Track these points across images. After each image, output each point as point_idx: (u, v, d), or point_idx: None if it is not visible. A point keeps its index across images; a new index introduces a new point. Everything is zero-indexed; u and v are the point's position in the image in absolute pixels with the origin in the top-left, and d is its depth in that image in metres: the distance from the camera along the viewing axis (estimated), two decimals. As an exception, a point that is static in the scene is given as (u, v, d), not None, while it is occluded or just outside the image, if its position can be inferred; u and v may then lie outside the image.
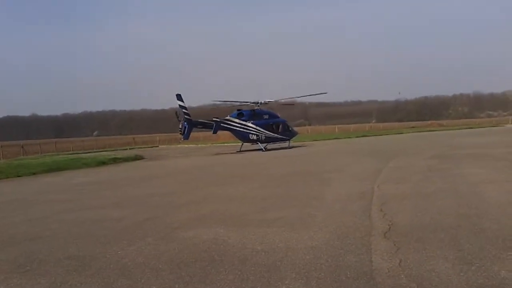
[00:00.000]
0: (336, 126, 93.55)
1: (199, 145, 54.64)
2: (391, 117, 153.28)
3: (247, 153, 33.41)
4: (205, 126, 33.34)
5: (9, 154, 48.58)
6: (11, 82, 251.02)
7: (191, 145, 55.07)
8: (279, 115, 38.13)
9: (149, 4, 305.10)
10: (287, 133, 37.37)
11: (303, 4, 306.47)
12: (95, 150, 51.63)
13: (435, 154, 22.23)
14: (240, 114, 35.06)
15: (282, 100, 38.89)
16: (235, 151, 35.61)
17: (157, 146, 58.56)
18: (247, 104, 36.85)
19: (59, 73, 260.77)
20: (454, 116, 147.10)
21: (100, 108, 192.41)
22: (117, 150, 51.68)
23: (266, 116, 36.10)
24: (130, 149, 54.60)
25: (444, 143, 32.22)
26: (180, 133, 32.70)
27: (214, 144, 53.58)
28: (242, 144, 36.15)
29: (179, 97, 31.61)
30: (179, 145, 56.55)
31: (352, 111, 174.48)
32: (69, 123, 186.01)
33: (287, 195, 11.73)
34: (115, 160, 30.77)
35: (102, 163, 29.22)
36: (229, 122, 34.38)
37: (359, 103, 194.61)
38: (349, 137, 54.57)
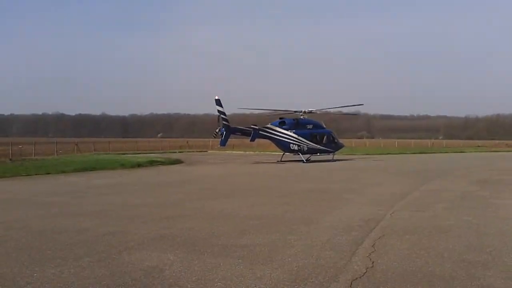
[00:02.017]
0: (396, 140, 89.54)
1: (247, 152, 53.90)
2: (459, 134, 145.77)
3: (286, 164, 32.07)
4: (243, 133, 32.35)
5: (64, 150, 50.46)
6: (84, 83, 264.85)
7: (239, 152, 54.53)
8: (324, 126, 36.36)
9: (214, 13, 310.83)
10: (332, 145, 35.57)
11: (367, 11, 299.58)
12: (146, 152, 52.18)
13: (483, 178, 19.88)
14: (282, 123, 33.77)
15: (319, 111, 36.92)
16: (275, 161, 34.38)
17: (206, 151, 58.37)
18: (291, 113, 35.51)
19: (129, 77, 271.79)
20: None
21: (165, 111, 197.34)
22: (166, 152, 52.11)
23: (309, 126, 34.54)
24: (179, 152, 54.98)
25: (501, 166, 29.28)
26: (214, 136, 32.02)
27: (263, 152, 52.54)
28: (283, 154, 34.82)
29: (218, 102, 30.87)
30: (227, 151, 56.15)
31: (418, 125, 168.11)
32: (135, 124, 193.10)
33: (281, 216, 10.41)
34: (151, 163, 30.61)
35: (138, 165, 29.00)
36: (269, 131, 33.18)
37: (426, 117, 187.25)
38: (405, 153, 51.62)
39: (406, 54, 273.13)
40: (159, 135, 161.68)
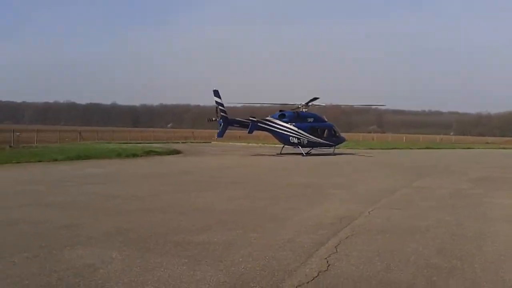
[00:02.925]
0: (404, 135, 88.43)
1: (250, 144, 53.37)
2: (471, 130, 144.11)
3: (285, 156, 31.52)
4: (241, 125, 31.77)
5: (67, 138, 50.45)
6: (95, 71, 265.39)
7: (243, 143, 54.05)
8: (325, 119, 35.68)
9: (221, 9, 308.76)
10: (333, 139, 34.90)
11: (381, 5, 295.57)
12: (149, 142, 51.84)
13: (480, 175, 19.17)
14: (281, 115, 33.15)
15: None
16: (275, 154, 33.83)
17: (210, 142, 57.85)
18: (294, 106, 34.87)
19: (141, 67, 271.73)
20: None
21: (175, 102, 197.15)
22: (169, 143, 51.82)
23: (310, 119, 33.87)
24: (182, 142, 54.67)
25: (504, 163, 28.45)
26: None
27: (266, 144, 51.94)
28: (283, 146, 34.22)
29: (216, 93, 30.31)
30: (230, 143, 55.71)
31: (430, 121, 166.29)
32: (146, 114, 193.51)
33: (254, 212, 9.93)
34: (148, 153, 30.10)
35: (133, 155, 28.59)
36: (268, 123, 32.58)
37: (438, 113, 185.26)
38: (410, 148, 50.77)
39: (419, 49, 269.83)
40: (169, 125, 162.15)
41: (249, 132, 31.73)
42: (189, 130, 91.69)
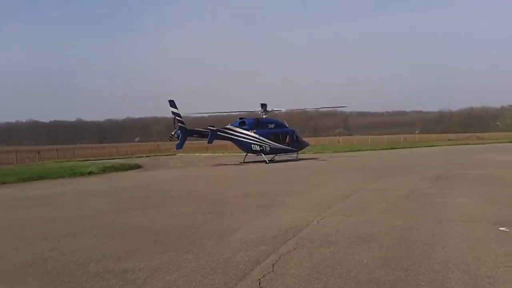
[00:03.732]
0: (370, 137, 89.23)
1: (216, 154, 52.56)
2: (434, 128, 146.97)
3: (247, 165, 30.89)
4: (200, 135, 30.96)
5: (27, 159, 48.43)
6: (55, 88, 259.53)
7: (208, 154, 53.17)
8: (286, 125, 35.26)
9: (192, 17, 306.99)
10: (295, 144, 34.50)
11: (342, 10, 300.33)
12: (111, 158, 50.35)
13: (438, 174, 18.99)
14: (242, 123, 32.52)
15: (292, 110, 36.06)
16: (237, 162, 33.18)
17: (175, 154, 56.61)
18: (253, 112, 34.35)
19: (104, 82, 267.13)
20: (501, 128, 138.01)
21: (142, 115, 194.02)
22: (132, 157, 50.55)
23: (271, 126, 33.37)
24: (146, 156, 53.43)
25: (463, 159, 28.64)
26: (169, 140, 30.64)
27: (233, 154, 51.20)
28: (246, 155, 33.58)
29: (172, 103, 29.46)
30: (196, 153, 54.77)
31: (394, 121, 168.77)
32: (112, 129, 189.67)
33: (195, 229, 9.21)
34: (105, 170, 29.04)
35: (89, 173, 27.42)
36: (229, 131, 31.90)
37: (402, 113, 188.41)
38: (374, 149, 50.94)
39: (379, 51, 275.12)
40: (136, 139, 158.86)
41: (208, 142, 30.96)
42: (156, 143, 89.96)
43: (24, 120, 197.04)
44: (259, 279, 5.83)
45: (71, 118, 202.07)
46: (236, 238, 8.20)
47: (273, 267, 6.33)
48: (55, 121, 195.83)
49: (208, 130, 30.30)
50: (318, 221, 9.48)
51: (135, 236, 8.71)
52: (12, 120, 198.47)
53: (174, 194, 15.52)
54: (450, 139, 76.46)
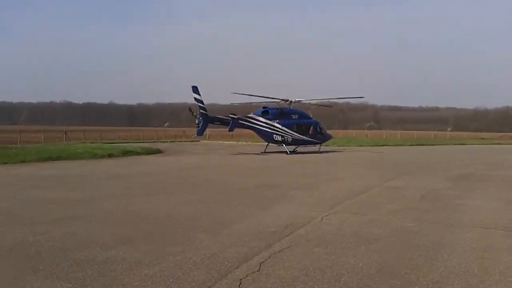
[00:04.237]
0: (399, 132, 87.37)
1: (239, 142, 52.36)
2: (468, 126, 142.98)
3: (267, 155, 30.46)
4: (222, 122, 30.64)
5: (57, 139, 49.35)
6: (92, 72, 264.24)
7: (231, 142, 53.00)
8: (311, 116, 34.56)
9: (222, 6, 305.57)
10: (319, 136, 33.79)
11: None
12: (136, 141, 50.84)
13: (463, 173, 18.14)
14: (265, 112, 32.02)
15: (314, 101, 35.28)
16: (259, 152, 32.80)
17: (199, 141, 56.58)
18: (277, 102, 33.74)
19: (136, 67, 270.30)
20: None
21: (172, 101, 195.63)
22: (156, 142, 50.92)
23: (295, 116, 32.74)
24: (170, 141, 53.73)
25: (491, 159, 27.46)
26: (197, 126, 30.33)
27: (255, 143, 50.88)
28: (268, 144, 33.12)
29: (195, 89, 29.24)
30: (220, 141, 54.69)
31: (427, 117, 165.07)
32: (143, 113, 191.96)
33: (195, 219, 8.89)
34: (126, 153, 29.12)
35: (109, 155, 27.57)
36: (251, 120, 31.45)
37: (435, 109, 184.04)
38: (402, 145, 49.66)
39: (416, 44, 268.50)
40: (165, 124, 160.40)
41: (229, 130, 30.66)
42: (183, 128, 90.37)
43: (58, 101, 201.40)
44: (241, 279, 5.43)
45: (104, 100, 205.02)
46: (232, 231, 7.83)
47: (260, 266, 5.93)
48: (88, 103, 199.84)
49: (230, 118, 29.96)
50: (322, 218, 9.01)
51: (131, 224, 8.45)
52: (46, 100, 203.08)
53: (185, 181, 15.28)
54: (482, 138, 74.00)
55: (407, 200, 11.20)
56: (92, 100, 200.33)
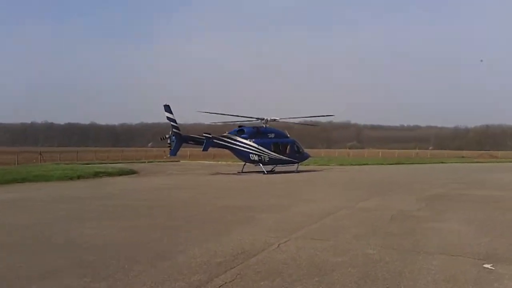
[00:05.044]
0: (380, 151, 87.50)
1: (219, 162, 51.60)
2: (449, 144, 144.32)
3: (244, 175, 29.78)
4: (196, 142, 29.89)
5: (27, 160, 48.09)
6: (70, 93, 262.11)
7: (211, 162, 52.21)
8: (287, 135, 34.00)
9: (202, 25, 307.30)
10: (296, 155, 33.20)
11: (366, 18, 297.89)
12: (113, 162, 49.69)
13: (437, 193, 17.59)
14: (240, 131, 31.39)
15: (294, 120, 34.72)
16: (235, 172, 32.07)
17: (179, 161, 55.56)
18: (251, 121, 33.16)
19: (119, 86, 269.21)
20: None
21: (155, 120, 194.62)
22: (134, 162, 50.02)
23: (271, 135, 32.15)
24: (148, 162, 52.78)
25: (469, 178, 27.09)
26: (169, 147, 29.53)
27: (236, 162, 50.12)
28: (245, 164, 32.40)
29: (167, 108, 28.51)
30: (200, 161, 53.84)
31: (409, 136, 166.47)
32: (126, 133, 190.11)
33: (136, 247, 8.08)
34: (96, 174, 28.21)
35: (78, 177, 26.64)
36: (226, 140, 30.75)
37: (417, 128, 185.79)
38: (381, 164, 49.39)
39: (397, 65, 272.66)
40: (149, 144, 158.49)
41: (203, 150, 29.87)
42: (164, 149, 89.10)
43: (39, 122, 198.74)
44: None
45: (86, 121, 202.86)
46: (175, 262, 7.04)
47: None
48: (69, 123, 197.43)
49: (204, 138, 29.22)
50: (279, 244, 8.26)
51: (65, 253, 7.60)
52: (28, 121, 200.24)
53: (146, 204, 14.45)
54: (463, 156, 74.31)
55: (374, 223, 10.52)
56: (74, 121, 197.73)
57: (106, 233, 9.33)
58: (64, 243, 8.34)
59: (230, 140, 30.73)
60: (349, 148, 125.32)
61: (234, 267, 6.75)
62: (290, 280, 6.09)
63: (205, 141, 29.12)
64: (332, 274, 6.36)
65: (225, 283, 5.98)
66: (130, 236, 9.06)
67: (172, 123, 28.49)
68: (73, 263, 6.97)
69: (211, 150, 34.58)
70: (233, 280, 6.11)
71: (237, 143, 30.71)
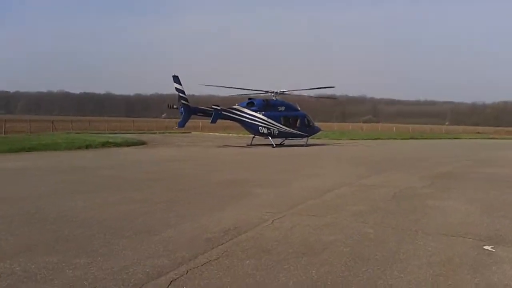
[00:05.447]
0: (394, 126, 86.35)
1: (230, 134, 51.33)
2: (466, 120, 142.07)
3: (252, 148, 29.51)
4: (205, 113, 29.58)
5: (39, 129, 48.38)
6: (88, 62, 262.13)
7: (222, 134, 51.99)
8: (298, 108, 33.48)
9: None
10: (306, 129, 32.76)
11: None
12: (124, 132, 49.83)
13: (444, 170, 17.14)
14: (250, 104, 30.98)
15: (296, 92, 33.91)
16: (244, 145, 31.82)
17: (190, 133, 55.44)
18: (262, 93, 32.67)
19: (136, 56, 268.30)
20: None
21: (170, 91, 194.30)
22: (145, 133, 50.03)
23: (281, 108, 31.70)
24: (160, 133, 52.71)
25: (480, 155, 26.44)
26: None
27: (247, 135, 49.86)
28: (253, 137, 32.11)
29: (176, 79, 28.11)
30: (211, 133, 53.70)
31: (425, 110, 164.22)
32: (140, 103, 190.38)
33: (124, 222, 7.87)
34: (105, 144, 28.22)
35: (87, 146, 26.65)
36: (235, 112, 30.40)
37: (433, 103, 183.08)
38: (395, 139, 48.70)
39: (415, 40, 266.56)
40: (163, 115, 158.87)
41: (212, 122, 29.56)
42: (176, 119, 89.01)
43: (55, 91, 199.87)
44: (138, 302, 4.45)
45: (101, 90, 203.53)
46: (162, 238, 6.84)
47: (169, 284, 4.95)
48: (84, 93, 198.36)
49: (212, 109, 28.90)
50: (273, 221, 8.02)
51: (49, 228, 7.37)
52: (44, 90, 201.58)
53: (148, 176, 14.24)
54: (478, 132, 73.03)
55: (376, 201, 10.20)
56: (89, 90, 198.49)
57: (98, 206, 9.14)
58: (51, 217, 8.10)
59: (238, 113, 30.38)
60: (363, 122, 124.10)
61: (222, 244, 6.53)
62: (277, 260, 5.84)
63: (213, 112, 28.80)
64: (322, 254, 6.11)
65: (209, 261, 5.76)
66: (122, 210, 8.87)
67: (180, 94, 28.15)
68: (58, 237, 6.79)
69: (223, 122, 34.44)
70: (218, 258, 5.89)
71: (246, 115, 30.36)
